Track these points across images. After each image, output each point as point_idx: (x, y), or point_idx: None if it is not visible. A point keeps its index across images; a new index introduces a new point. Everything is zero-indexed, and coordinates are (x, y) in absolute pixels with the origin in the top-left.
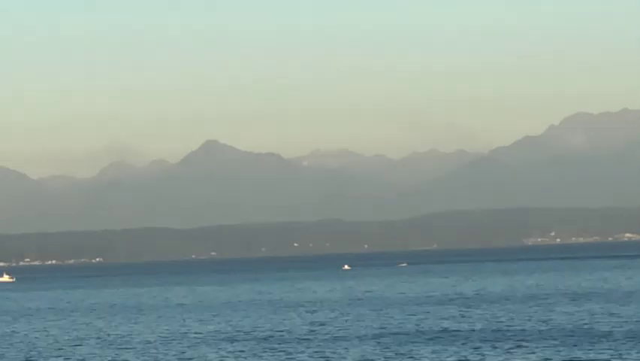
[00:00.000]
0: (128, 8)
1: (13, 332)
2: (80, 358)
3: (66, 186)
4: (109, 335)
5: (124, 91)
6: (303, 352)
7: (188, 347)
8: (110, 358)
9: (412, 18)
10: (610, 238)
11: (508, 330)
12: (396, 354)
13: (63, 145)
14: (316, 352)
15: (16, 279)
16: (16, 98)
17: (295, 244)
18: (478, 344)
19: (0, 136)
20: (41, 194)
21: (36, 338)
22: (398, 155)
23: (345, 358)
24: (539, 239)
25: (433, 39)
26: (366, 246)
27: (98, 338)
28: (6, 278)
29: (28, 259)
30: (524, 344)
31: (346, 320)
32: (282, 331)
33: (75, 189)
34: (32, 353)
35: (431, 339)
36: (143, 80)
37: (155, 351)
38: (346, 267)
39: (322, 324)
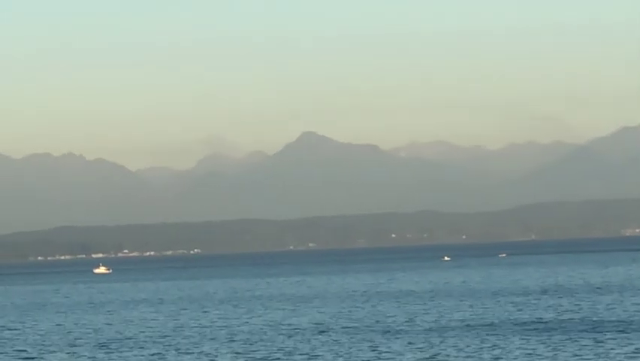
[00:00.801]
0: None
1: (107, 323)
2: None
3: (164, 178)
4: (212, 324)
5: (220, 83)
6: (392, 343)
7: (290, 337)
8: (215, 347)
9: (501, 15)
10: None
11: (607, 320)
12: (492, 345)
13: (160, 137)
14: (410, 343)
15: (113, 270)
16: (112, 89)
17: (393, 235)
18: (574, 335)
19: (99, 129)
20: (140, 186)
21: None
22: (495, 146)
23: (444, 349)
24: (637, 230)
25: (529, 33)
26: (464, 237)
27: (198, 326)
28: (102, 270)
29: (126, 251)
30: (622, 334)
31: (459, 310)
32: (382, 321)
33: (173, 180)
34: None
35: (535, 330)
36: (239, 71)
37: (262, 340)
38: (446, 258)
39: (423, 314)
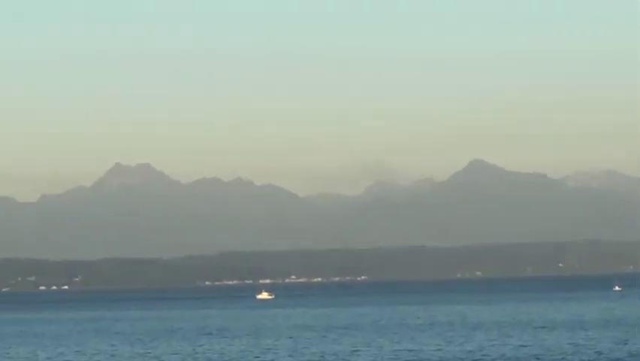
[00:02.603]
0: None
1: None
2: None
3: (332, 204)
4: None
5: (388, 108)
6: None
7: None
8: None
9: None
10: None
11: None
12: None
13: (328, 163)
14: None
15: (276, 296)
16: (281, 116)
17: (560, 265)
18: None
19: (267, 155)
20: (308, 211)
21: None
22: None
23: None
24: None
25: None
26: (631, 267)
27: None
28: (265, 295)
29: (293, 277)
30: None
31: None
32: (546, 351)
33: (340, 206)
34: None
35: None
36: (409, 96)
37: None
38: (617, 288)
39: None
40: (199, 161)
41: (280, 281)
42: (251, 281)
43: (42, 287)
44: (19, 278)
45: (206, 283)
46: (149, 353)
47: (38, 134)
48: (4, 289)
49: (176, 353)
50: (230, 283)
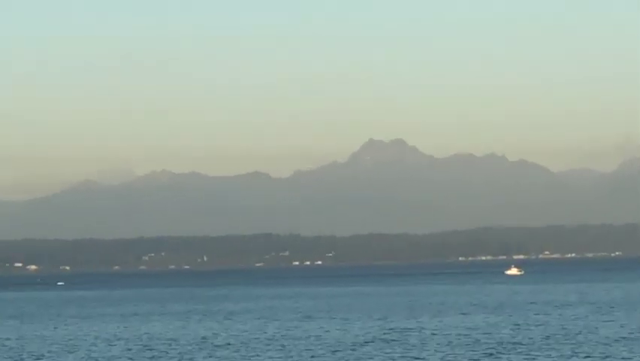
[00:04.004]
0: None
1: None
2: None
3: (585, 180)
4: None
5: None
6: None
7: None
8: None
9: None
10: None
11: None
12: None
13: (580, 138)
14: None
15: (525, 272)
16: (524, 88)
17: None
18: None
19: (520, 130)
20: (560, 187)
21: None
22: None
23: None
24: None
25: None
26: None
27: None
28: (514, 271)
29: (547, 252)
30: None
31: None
32: None
33: (594, 182)
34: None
35: None
36: None
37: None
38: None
39: None
40: (452, 136)
41: (534, 257)
42: (504, 257)
43: (295, 262)
44: (273, 253)
45: (460, 258)
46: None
47: (289, 113)
48: (257, 264)
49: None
50: (483, 258)
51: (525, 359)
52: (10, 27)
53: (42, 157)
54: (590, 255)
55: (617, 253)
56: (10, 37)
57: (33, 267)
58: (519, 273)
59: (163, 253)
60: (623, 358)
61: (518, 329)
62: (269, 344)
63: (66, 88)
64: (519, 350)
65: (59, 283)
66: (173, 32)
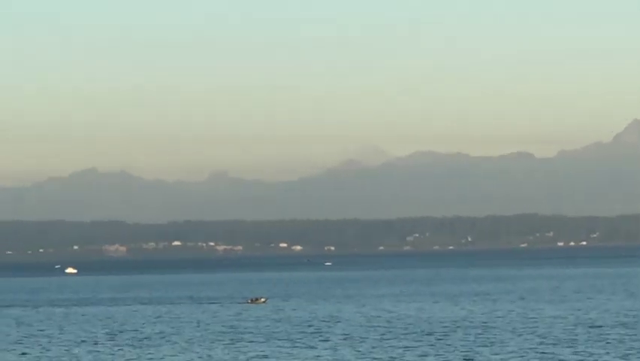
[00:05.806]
0: None
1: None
2: None
3: None
4: None
5: None
6: None
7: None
8: None
9: None
10: None
11: None
12: None
13: None
14: None
15: None
16: None
17: None
18: None
19: None
20: None
21: None
22: None
23: None
24: None
25: None
26: None
27: None
28: None
29: None
30: None
31: None
32: None
33: None
34: None
35: None
36: None
37: None
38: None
39: None
40: None
41: None
42: None
43: (560, 243)
44: (537, 234)
45: None
46: None
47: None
48: (522, 245)
49: None
50: None
51: None
52: None
53: (305, 135)
54: None
55: None
56: None
57: (298, 247)
58: None
59: (427, 234)
60: None
61: None
62: None
63: None
64: None
65: (327, 264)
66: None
